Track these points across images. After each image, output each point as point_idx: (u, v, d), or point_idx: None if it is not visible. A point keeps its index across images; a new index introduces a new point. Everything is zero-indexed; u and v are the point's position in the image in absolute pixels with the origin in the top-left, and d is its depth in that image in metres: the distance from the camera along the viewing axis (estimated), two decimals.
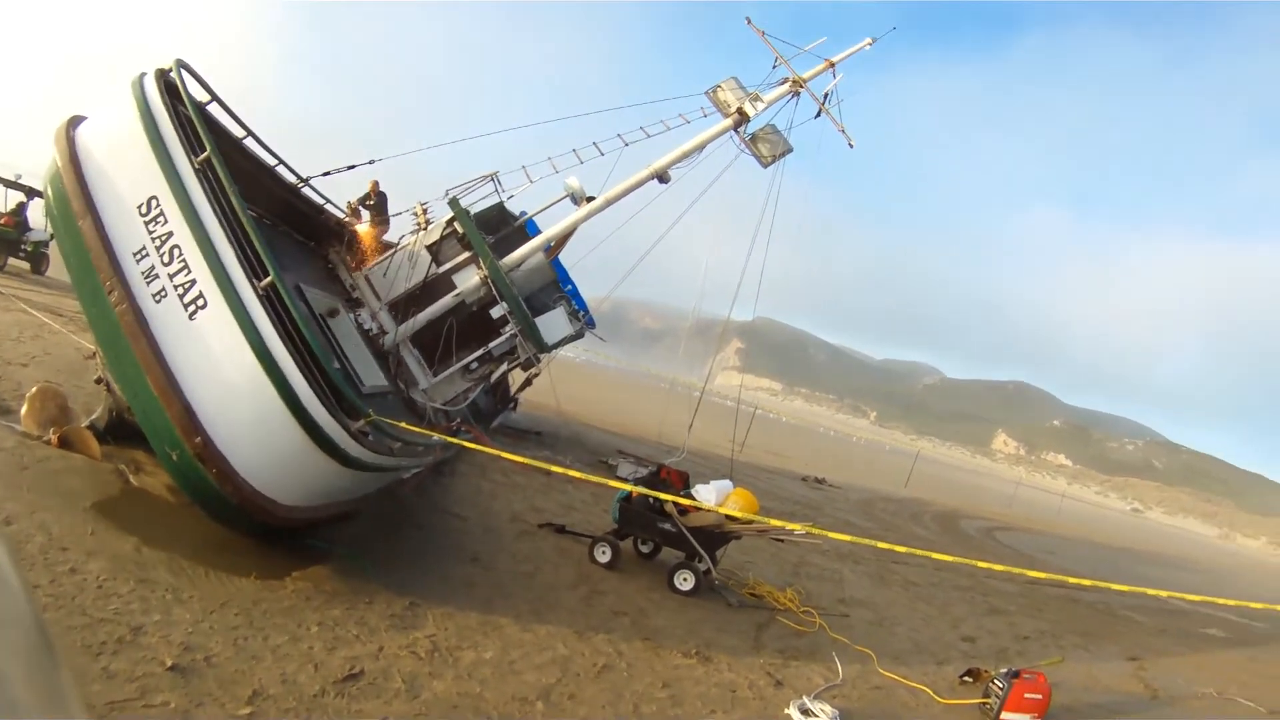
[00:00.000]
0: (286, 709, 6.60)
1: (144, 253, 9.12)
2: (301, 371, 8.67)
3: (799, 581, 15.74)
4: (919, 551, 11.35)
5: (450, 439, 12.43)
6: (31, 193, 26.74)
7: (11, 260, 26.62)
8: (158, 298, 8.98)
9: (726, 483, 13.87)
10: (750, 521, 13.00)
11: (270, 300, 8.88)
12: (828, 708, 9.39)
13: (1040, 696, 10.92)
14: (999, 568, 11.10)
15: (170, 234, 9.07)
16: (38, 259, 27.27)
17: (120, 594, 7.60)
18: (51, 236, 24.54)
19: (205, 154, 9.44)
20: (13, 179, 27.39)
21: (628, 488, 13.23)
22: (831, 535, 11.44)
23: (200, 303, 8.86)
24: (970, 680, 11.94)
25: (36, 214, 25.73)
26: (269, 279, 8.93)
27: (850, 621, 13.87)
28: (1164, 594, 10.83)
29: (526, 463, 11.35)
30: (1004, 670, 11.33)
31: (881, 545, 11.74)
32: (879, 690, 11.03)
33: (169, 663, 6.64)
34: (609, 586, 12.32)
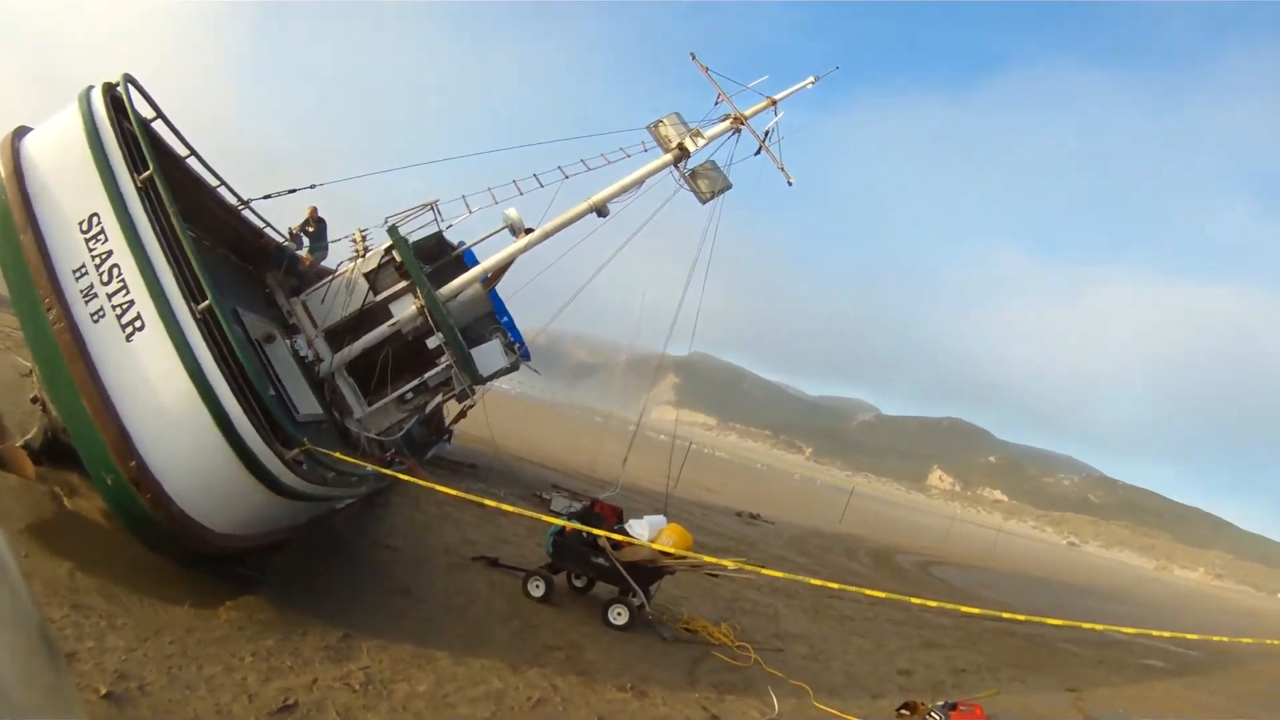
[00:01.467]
0: None
1: (83, 270, 8.99)
2: (237, 398, 8.59)
3: (734, 617, 15.70)
4: (852, 588, 11.38)
5: (384, 470, 12.31)
6: None
7: None
8: (96, 317, 8.86)
9: (660, 518, 13.88)
10: (684, 557, 12.99)
11: (207, 324, 8.78)
12: None
13: None
14: (933, 604, 11.13)
15: (110, 252, 8.97)
16: None
17: (53, 619, 7.52)
18: None
19: (148, 172, 9.32)
20: None
21: (561, 523, 13.19)
22: (765, 571, 11.47)
23: (138, 324, 8.77)
24: (907, 713, 11.94)
25: None
26: (206, 303, 8.83)
27: (785, 656, 13.84)
28: (1099, 628, 10.94)
29: (460, 495, 11.25)
30: (940, 703, 11.36)
31: (815, 582, 11.77)
32: None
33: (103, 690, 6.56)
34: (543, 620, 12.23)
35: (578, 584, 14.36)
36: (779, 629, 15.87)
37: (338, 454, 10.81)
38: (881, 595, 11.32)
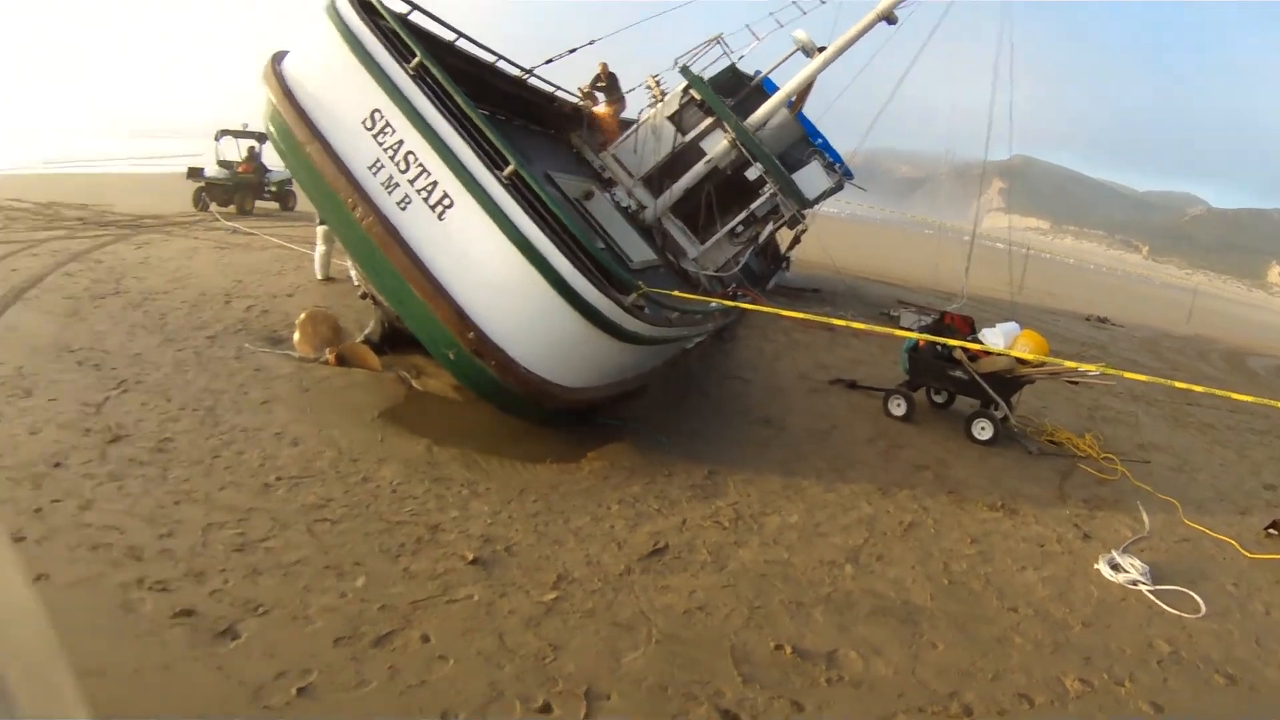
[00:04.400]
0: (592, 590, 6.63)
1: (379, 165, 9.22)
2: (563, 252, 8.62)
3: (1096, 427, 15.07)
4: (1219, 392, 10.53)
5: (726, 302, 12.38)
6: (261, 137, 27.38)
7: (260, 203, 27.90)
8: (402, 205, 9.10)
9: (1013, 325, 13.34)
10: (1042, 363, 12.53)
11: (516, 186, 8.86)
12: (1137, 562, 8.95)
13: None
14: None
15: (401, 142, 9.13)
16: (284, 196, 28.61)
17: (415, 495, 7.81)
18: (290, 182, 26.24)
19: (416, 59, 9.40)
20: (240, 129, 28.35)
21: (914, 336, 12.95)
22: (1127, 375, 10.78)
23: (446, 202, 8.93)
24: (1275, 533, 11.15)
25: (272, 156, 27.31)
26: (511, 167, 8.89)
27: (1150, 468, 13.17)
28: None
29: (807, 318, 11.04)
30: None
31: (1179, 385, 10.98)
32: (1185, 543, 10.43)
33: (470, 556, 6.78)
34: (906, 439, 12.11)
35: (937, 400, 14.14)
36: (1141, 439, 15.11)
37: (675, 292, 10.86)
38: (1248, 400, 10.43)
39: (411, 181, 9.04)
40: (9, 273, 14.39)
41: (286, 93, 9.93)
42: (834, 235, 26.13)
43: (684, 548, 7.63)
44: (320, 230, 16.81)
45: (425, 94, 9.17)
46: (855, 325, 11.23)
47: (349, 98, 9.52)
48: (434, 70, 9.36)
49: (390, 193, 9.14)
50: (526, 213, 8.64)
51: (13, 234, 18.53)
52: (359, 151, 9.34)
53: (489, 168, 8.81)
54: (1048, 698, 6.12)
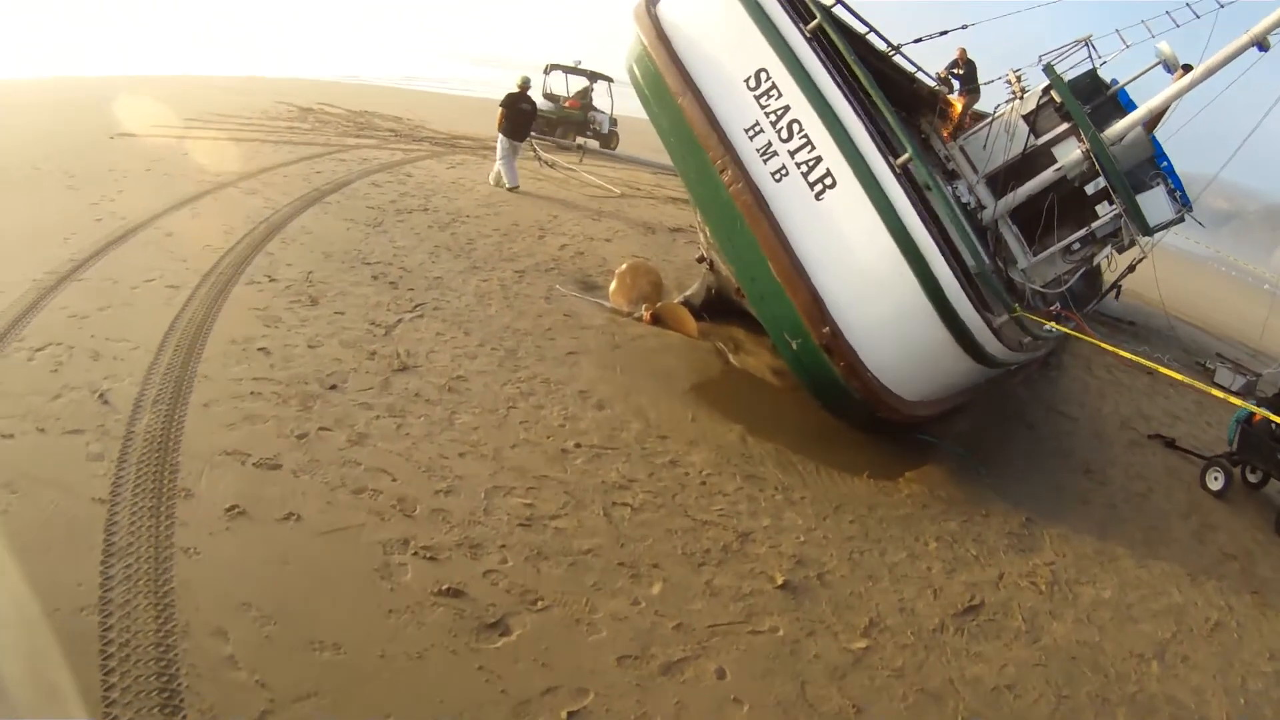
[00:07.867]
0: (904, 644, 6.12)
1: (757, 128, 8.83)
2: (946, 262, 8.12)
3: None
4: None
5: (1081, 335, 11.79)
6: (594, 77, 28.88)
7: (580, 138, 28.86)
8: (777, 176, 8.72)
9: None
10: None
11: (909, 178, 8.35)
12: None
13: None
14: None
15: (787, 108, 8.70)
16: (607, 136, 29.41)
17: (726, 492, 7.44)
18: (614, 123, 28.08)
19: (815, 21, 8.90)
20: (571, 65, 29.29)
21: (1252, 409, 11.78)
22: None
23: (828, 182, 8.48)
24: None
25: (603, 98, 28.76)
26: (906, 156, 8.39)
27: None
28: None
29: (1135, 360, 10.46)
30: None
31: None
32: None
33: (779, 579, 6.35)
34: (1218, 520, 11.07)
35: (1252, 479, 12.80)
36: None
37: (1051, 324, 10.54)
38: None
39: (792, 153, 8.66)
40: (312, 174, 14.99)
41: (661, 36, 9.62)
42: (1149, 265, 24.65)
43: (999, 608, 7.11)
44: (502, 143, 17.52)
45: (820, 61, 8.72)
46: (1190, 382, 10.27)
47: (734, 52, 9.14)
48: (833, 37, 8.92)
49: (766, 161, 8.79)
50: (916, 209, 8.19)
51: (321, 137, 19.43)
52: (737, 111, 8.98)
53: (883, 153, 8.35)
54: None
